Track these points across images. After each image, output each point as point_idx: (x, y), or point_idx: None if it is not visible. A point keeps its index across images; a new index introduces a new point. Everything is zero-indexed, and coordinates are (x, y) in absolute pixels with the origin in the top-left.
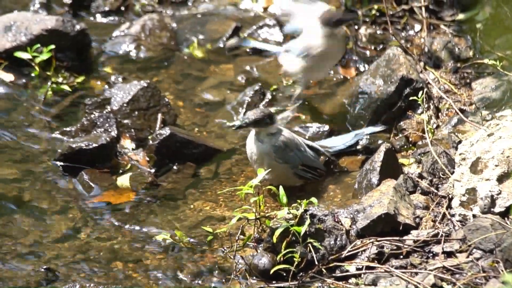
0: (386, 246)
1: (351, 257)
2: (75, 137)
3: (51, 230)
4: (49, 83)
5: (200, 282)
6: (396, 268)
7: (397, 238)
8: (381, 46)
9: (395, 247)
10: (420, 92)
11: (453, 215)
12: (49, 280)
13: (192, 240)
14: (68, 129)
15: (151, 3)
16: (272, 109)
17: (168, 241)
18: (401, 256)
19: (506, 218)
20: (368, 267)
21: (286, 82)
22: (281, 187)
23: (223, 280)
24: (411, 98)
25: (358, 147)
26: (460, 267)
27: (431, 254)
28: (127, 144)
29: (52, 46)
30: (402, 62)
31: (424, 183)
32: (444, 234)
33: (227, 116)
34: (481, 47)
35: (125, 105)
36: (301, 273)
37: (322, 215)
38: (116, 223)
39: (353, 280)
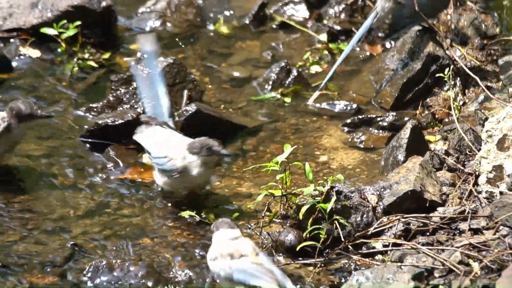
0: (413, 223)
1: (378, 234)
2: (101, 113)
3: (78, 206)
4: (75, 59)
5: None
6: (423, 245)
7: (424, 215)
8: None
9: (421, 224)
10: (447, 69)
11: (479, 192)
12: (76, 256)
13: (218, 216)
14: (94, 105)
15: None
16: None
17: (195, 217)
18: (428, 233)
19: None
20: (394, 244)
21: (312, 59)
22: (307, 164)
23: None
24: (437, 75)
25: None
26: (487, 244)
27: (458, 231)
28: None
29: (78, 22)
30: (429, 38)
31: (450, 160)
32: (470, 211)
33: (254, 93)
34: (508, 24)
35: None
36: (327, 250)
37: (348, 192)
38: (143, 199)
39: (379, 256)
